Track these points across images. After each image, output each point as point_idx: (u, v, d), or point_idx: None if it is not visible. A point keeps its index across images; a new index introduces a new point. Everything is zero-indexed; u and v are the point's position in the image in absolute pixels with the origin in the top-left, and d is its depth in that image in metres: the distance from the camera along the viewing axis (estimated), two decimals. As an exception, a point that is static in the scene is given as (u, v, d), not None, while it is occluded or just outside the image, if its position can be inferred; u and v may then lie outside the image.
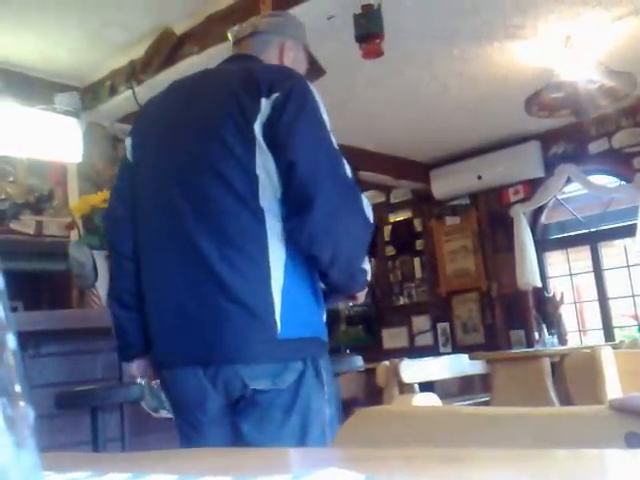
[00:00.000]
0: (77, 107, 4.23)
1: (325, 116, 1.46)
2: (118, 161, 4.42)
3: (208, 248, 1.41)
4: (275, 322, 1.38)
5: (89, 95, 4.26)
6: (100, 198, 3.39)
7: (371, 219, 1.48)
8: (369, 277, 1.58)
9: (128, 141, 1.67)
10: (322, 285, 1.56)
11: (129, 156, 1.65)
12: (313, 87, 1.50)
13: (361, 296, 1.66)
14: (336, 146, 1.45)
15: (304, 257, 1.44)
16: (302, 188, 1.38)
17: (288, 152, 1.39)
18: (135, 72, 3.90)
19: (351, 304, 1.76)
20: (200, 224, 1.44)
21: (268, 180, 1.41)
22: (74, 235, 3.91)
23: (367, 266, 1.55)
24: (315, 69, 1.81)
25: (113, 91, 4.10)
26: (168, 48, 3.69)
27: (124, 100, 4.08)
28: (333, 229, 1.40)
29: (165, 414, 1.61)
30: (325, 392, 1.47)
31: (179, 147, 1.54)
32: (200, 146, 1.49)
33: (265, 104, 1.41)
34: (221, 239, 1.41)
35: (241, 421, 1.45)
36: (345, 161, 1.45)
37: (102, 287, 3.31)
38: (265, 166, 1.41)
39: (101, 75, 4.18)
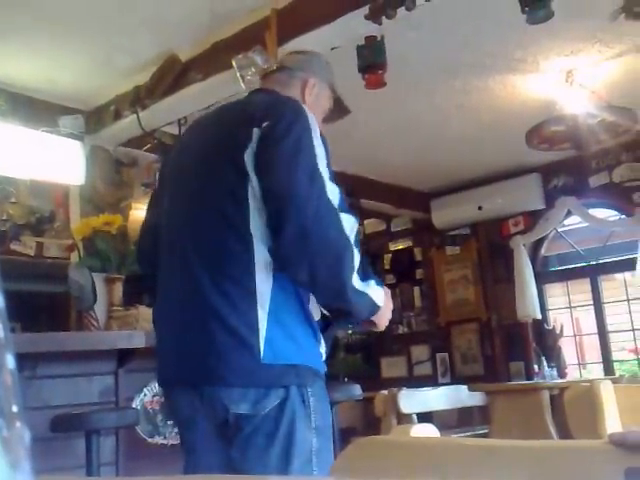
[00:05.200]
0: (81, 130, 4.26)
1: (316, 141, 1.47)
2: (121, 184, 4.46)
3: (201, 273, 1.47)
4: (259, 347, 1.38)
5: (93, 119, 4.30)
6: (101, 221, 3.41)
7: (351, 238, 1.43)
8: (378, 301, 1.53)
9: (157, 175, 1.81)
10: (325, 312, 1.55)
11: (157, 186, 1.78)
12: (310, 115, 1.51)
13: (379, 322, 1.61)
14: (321, 169, 1.44)
15: (291, 282, 1.44)
16: (276, 211, 1.41)
17: (266, 177, 1.43)
18: (140, 97, 3.93)
19: (375, 330, 1.71)
20: (197, 251, 1.51)
21: (258, 207, 1.44)
22: (74, 257, 3.91)
23: (369, 289, 1.49)
24: (340, 108, 1.86)
25: (117, 115, 4.14)
26: (173, 74, 3.72)
27: (128, 124, 4.11)
28: (304, 248, 1.39)
29: (160, 440, 1.61)
30: (312, 421, 1.44)
31: (184, 178, 1.63)
32: (198, 177, 1.57)
33: (256, 133, 1.45)
34: (212, 264, 1.47)
35: (228, 445, 1.45)
36: (331, 185, 1.45)
37: (100, 310, 3.30)
38: (254, 193, 1.44)
39: (106, 99, 4.22)
